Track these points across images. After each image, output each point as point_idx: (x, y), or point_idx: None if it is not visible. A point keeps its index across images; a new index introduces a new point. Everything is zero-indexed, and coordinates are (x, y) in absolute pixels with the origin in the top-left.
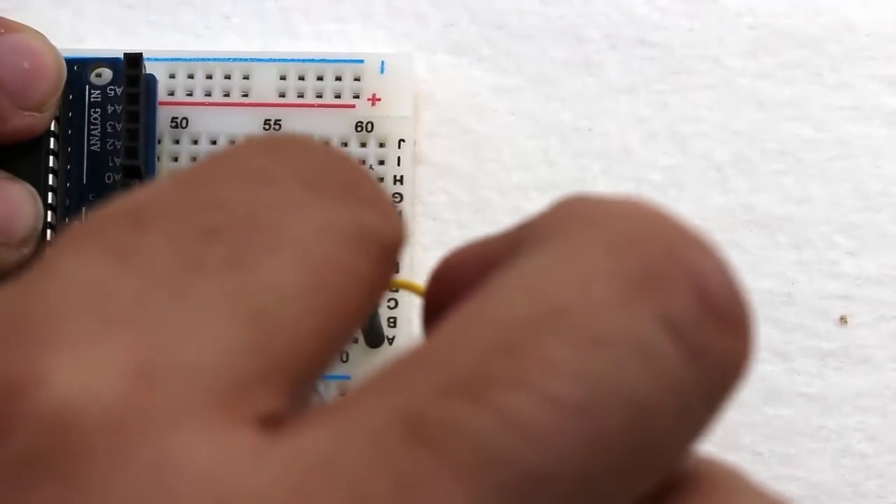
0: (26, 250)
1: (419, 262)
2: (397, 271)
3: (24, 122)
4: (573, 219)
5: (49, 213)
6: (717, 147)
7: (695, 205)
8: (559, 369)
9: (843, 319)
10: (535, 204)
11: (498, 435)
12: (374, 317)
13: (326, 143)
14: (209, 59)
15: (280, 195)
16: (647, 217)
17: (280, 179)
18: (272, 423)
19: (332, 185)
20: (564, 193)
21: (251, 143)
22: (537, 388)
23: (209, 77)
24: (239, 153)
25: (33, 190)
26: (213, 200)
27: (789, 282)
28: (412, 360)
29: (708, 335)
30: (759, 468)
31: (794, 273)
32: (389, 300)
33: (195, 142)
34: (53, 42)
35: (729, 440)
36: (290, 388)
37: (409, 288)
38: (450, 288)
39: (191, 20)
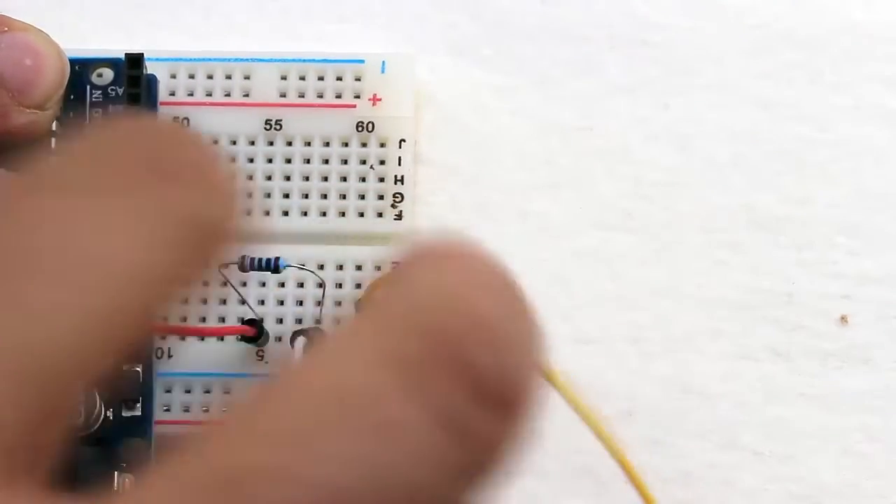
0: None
1: None
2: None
3: (26, 119)
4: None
5: None
6: (718, 147)
7: (695, 205)
8: (336, 459)
9: (843, 319)
10: (535, 204)
11: None
12: None
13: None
14: (210, 60)
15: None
16: (449, 293)
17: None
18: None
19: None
20: (565, 193)
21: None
22: (318, 476)
23: (210, 77)
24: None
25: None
26: None
27: (789, 282)
28: (224, 429)
29: (472, 416)
30: (759, 468)
31: (794, 273)
32: None
33: None
34: (57, 42)
35: (729, 440)
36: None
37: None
38: None
39: (192, 20)
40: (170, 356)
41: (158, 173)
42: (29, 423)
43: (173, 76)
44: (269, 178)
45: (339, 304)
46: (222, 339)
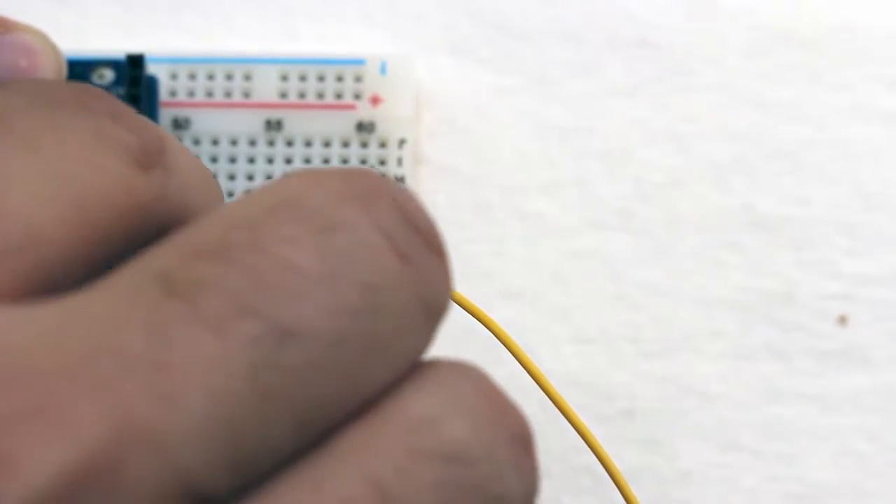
0: None
1: None
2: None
3: None
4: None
5: None
6: (717, 147)
7: (695, 205)
8: (297, 242)
9: (842, 319)
10: (535, 204)
11: (247, 291)
12: None
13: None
14: (211, 60)
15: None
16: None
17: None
18: (17, 298)
19: (64, 101)
20: (565, 193)
21: None
22: (278, 254)
23: (211, 78)
24: None
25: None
26: None
27: (789, 282)
28: (161, 241)
29: (412, 245)
30: (759, 468)
31: (794, 273)
32: None
33: (197, 142)
34: (56, 43)
35: (729, 440)
36: (30, 273)
37: (472, 312)
38: None
39: (192, 21)
40: None
41: (74, 103)
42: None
43: (174, 77)
44: (270, 178)
45: None
46: None
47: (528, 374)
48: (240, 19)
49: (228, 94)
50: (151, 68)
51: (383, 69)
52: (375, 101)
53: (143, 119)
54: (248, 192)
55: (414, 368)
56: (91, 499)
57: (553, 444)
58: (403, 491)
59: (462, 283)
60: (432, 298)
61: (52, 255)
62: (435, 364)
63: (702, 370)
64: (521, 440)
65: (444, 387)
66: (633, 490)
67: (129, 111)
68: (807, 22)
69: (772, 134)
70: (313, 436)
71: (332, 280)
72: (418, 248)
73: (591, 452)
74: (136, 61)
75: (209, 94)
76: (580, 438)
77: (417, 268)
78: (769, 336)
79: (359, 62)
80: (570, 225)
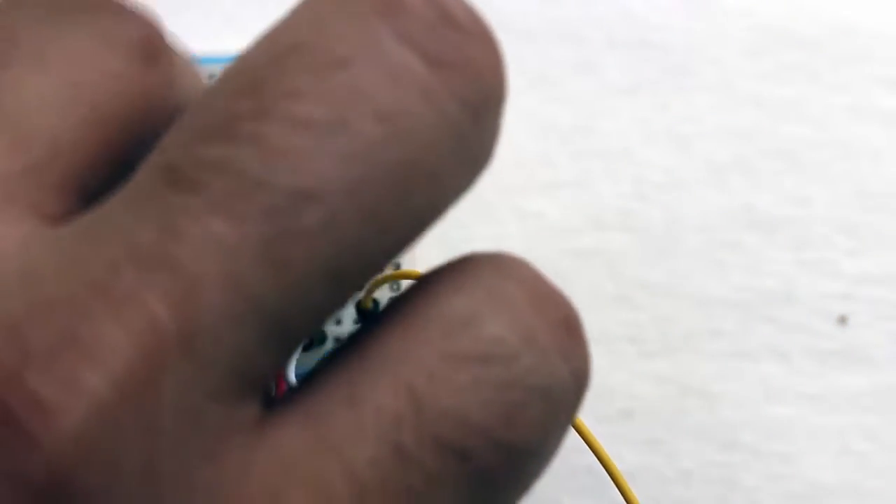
0: None
1: (419, 261)
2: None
3: None
4: None
5: None
6: (717, 147)
7: (695, 205)
8: (303, 94)
9: (842, 319)
10: (535, 204)
11: (253, 163)
12: (374, 314)
13: None
14: (211, 60)
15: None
16: None
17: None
18: (52, 217)
19: (66, 3)
20: (564, 193)
21: None
22: (284, 114)
23: (211, 78)
24: None
25: None
26: None
27: (789, 282)
28: (171, 128)
29: (445, 42)
30: (759, 467)
31: (794, 273)
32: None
33: None
34: None
35: (729, 439)
36: (61, 183)
37: (408, 277)
38: None
39: (192, 21)
40: None
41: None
42: (11, 167)
43: None
44: None
45: None
46: None
47: None
48: (240, 19)
49: None
50: None
51: None
52: None
53: (143, 11)
54: (260, 36)
55: (453, 266)
56: (131, 424)
57: None
58: (437, 396)
59: None
60: (477, 92)
61: (78, 161)
62: (474, 259)
63: (702, 370)
64: (564, 325)
65: (481, 284)
66: (633, 490)
67: (128, 5)
68: (807, 22)
69: (772, 134)
70: (359, 281)
71: (343, 124)
72: (453, 43)
73: (591, 452)
74: None
75: None
76: (580, 438)
77: (453, 65)
78: (769, 336)
79: None
80: (570, 225)
